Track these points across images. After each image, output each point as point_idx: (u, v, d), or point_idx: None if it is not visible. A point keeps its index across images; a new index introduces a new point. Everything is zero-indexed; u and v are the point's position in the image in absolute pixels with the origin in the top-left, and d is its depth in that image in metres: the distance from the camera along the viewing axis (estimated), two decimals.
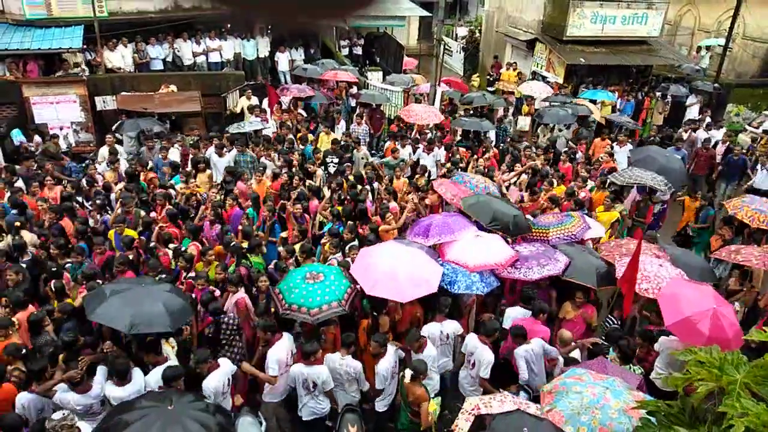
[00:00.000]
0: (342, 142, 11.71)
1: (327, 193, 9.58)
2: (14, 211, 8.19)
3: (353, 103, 15.40)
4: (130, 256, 7.24)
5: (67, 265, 7.12)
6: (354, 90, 15.79)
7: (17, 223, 7.71)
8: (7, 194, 8.71)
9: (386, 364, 5.76)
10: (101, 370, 5.36)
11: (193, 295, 6.61)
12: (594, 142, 13.24)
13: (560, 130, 13.81)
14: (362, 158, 11.50)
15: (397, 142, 11.81)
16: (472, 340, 6.09)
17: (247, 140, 12.11)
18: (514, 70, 19.20)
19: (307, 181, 9.87)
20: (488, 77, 21.25)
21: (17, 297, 6.21)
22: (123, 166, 10.29)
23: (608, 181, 9.90)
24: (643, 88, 18.14)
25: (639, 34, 18.17)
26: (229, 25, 16.72)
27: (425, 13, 20.45)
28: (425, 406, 5.38)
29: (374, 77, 17.50)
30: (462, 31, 27.66)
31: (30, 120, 12.54)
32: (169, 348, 5.80)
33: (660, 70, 19.52)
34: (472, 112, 14.63)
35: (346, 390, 5.91)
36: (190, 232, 7.88)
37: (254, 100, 14.07)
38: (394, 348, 5.96)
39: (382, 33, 21.36)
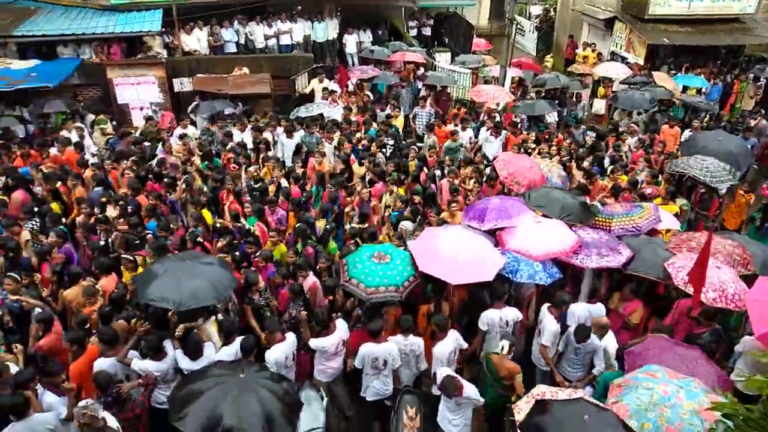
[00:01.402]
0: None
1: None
2: (99, 188, 8.73)
3: (420, 85, 15.23)
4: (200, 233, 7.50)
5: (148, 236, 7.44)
6: (421, 71, 15.59)
7: (103, 199, 8.21)
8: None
9: (444, 348, 5.71)
10: (169, 342, 5.61)
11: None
12: (662, 129, 12.11)
13: (639, 114, 13.06)
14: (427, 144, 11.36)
15: (457, 125, 11.60)
16: (543, 309, 6.22)
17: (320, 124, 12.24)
18: (593, 51, 18.27)
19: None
20: (565, 59, 20.36)
21: (101, 262, 6.63)
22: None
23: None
24: (733, 70, 16.79)
25: (731, 12, 16.78)
26: (299, 8, 16.92)
27: None
28: (518, 378, 5.54)
29: (442, 58, 17.21)
30: (536, 9, 26.62)
31: (113, 100, 13.30)
32: (213, 329, 5.89)
33: (754, 50, 17.95)
34: (544, 94, 14.09)
35: (410, 368, 5.96)
36: (255, 212, 8.07)
37: (326, 83, 14.18)
38: (455, 335, 5.89)
39: (452, 13, 20.91)
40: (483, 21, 25.31)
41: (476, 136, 11.69)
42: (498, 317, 6.15)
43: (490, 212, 7.09)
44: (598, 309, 6.35)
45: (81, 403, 4.66)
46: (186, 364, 5.40)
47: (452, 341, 5.80)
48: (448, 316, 6.17)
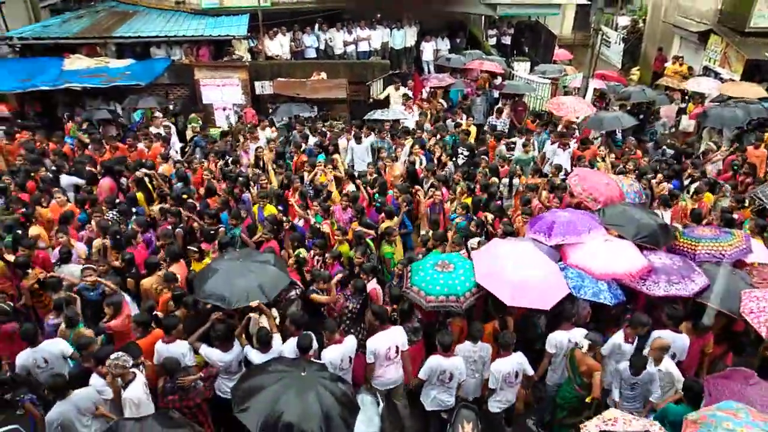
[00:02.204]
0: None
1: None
2: (180, 184, 9.16)
3: (496, 94, 14.94)
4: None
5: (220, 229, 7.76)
6: (498, 81, 15.31)
7: (184, 196, 8.61)
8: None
9: (503, 366, 5.54)
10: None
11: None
12: (748, 150, 10.81)
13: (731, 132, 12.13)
14: (499, 153, 11.10)
15: (532, 137, 11.27)
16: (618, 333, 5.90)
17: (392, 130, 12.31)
18: (681, 65, 17.23)
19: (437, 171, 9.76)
20: (653, 73, 19.32)
21: (172, 250, 6.95)
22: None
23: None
24: None
25: None
26: (379, 15, 17.12)
27: (583, 1, 19.16)
28: (597, 376, 5.44)
29: (521, 68, 16.83)
30: (623, 20, 25.49)
31: (198, 100, 13.97)
32: (265, 319, 5.96)
33: None
34: (629, 108, 13.42)
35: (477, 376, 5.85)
36: (322, 211, 8.22)
37: (402, 89, 14.24)
38: (521, 358, 5.66)
39: (534, 22, 20.43)
40: (566, 30, 24.56)
41: (542, 148, 11.33)
42: (567, 339, 5.86)
43: (557, 227, 6.79)
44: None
45: (112, 356, 4.99)
46: (255, 356, 5.51)
47: (514, 362, 5.58)
48: (513, 332, 5.95)
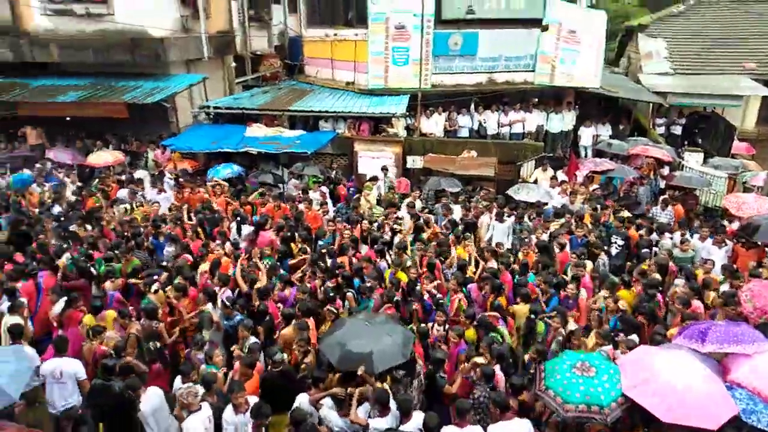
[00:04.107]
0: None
1: None
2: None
3: (662, 184, 13.75)
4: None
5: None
6: (665, 170, 14.12)
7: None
8: None
9: None
10: (364, 407, 5.63)
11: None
12: None
13: None
14: (662, 247, 9.99)
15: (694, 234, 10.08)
16: None
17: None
18: None
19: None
20: None
21: (305, 305, 7.37)
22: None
23: None
24: None
25: None
26: (536, 100, 17.07)
27: None
28: None
29: (692, 158, 15.37)
30: None
31: (354, 169, 14.84)
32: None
33: None
34: None
35: None
36: (459, 285, 8.06)
37: (550, 172, 13.82)
38: None
39: (709, 112, 18.83)
40: (749, 123, 22.23)
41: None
42: None
43: (712, 332, 5.79)
44: None
45: (185, 385, 5.25)
46: (376, 423, 5.41)
47: None
48: None
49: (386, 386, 5.78)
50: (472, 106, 16.58)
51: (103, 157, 13.98)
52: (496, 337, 6.85)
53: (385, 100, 15.97)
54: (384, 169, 14.02)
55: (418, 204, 12.17)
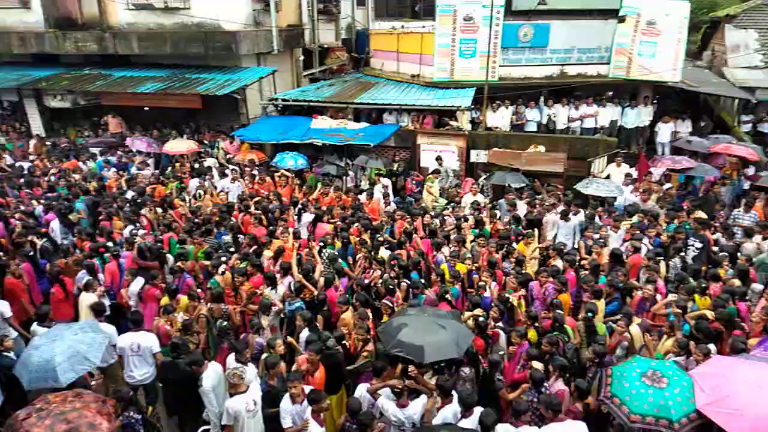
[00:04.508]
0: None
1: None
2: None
3: (746, 185, 12.80)
4: None
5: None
6: (751, 170, 13.14)
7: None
8: None
9: None
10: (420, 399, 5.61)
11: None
12: None
13: None
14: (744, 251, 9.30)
15: None
16: None
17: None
18: None
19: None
20: None
21: (362, 295, 7.50)
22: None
23: None
24: None
25: None
26: (610, 93, 16.32)
27: None
28: None
29: None
30: None
31: (417, 163, 14.74)
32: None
33: None
34: None
35: None
36: (519, 284, 7.93)
37: (624, 168, 13.17)
38: None
39: None
40: None
41: None
42: None
43: None
44: None
45: (233, 365, 5.48)
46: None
47: None
48: None
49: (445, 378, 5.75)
50: (542, 100, 16.06)
51: (178, 145, 14.63)
52: (562, 336, 6.61)
53: (450, 93, 15.76)
54: (439, 159, 13.88)
55: (480, 198, 11.97)
